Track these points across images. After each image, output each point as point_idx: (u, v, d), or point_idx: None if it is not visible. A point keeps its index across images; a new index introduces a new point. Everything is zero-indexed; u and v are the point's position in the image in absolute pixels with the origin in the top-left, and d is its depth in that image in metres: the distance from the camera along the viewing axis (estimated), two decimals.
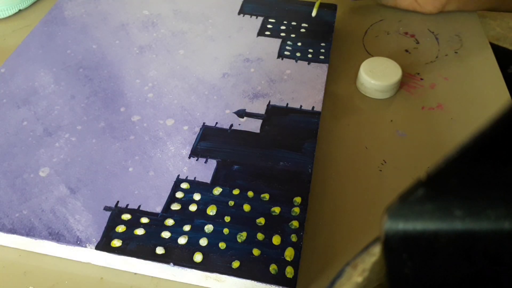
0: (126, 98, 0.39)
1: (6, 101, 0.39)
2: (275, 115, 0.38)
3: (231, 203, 0.32)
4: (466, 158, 0.13)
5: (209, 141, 0.36)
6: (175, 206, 0.32)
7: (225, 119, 0.38)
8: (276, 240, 0.30)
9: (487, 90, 0.42)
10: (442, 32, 0.49)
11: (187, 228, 0.31)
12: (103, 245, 0.30)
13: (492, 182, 0.14)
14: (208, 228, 0.31)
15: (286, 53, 0.44)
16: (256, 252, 0.29)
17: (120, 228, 0.31)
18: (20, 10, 0.51)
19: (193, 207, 0.32)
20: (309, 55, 0.43)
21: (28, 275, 0.30)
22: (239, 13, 0.48)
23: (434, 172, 0.14)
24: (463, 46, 0.48)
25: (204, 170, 0.34)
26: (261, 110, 0.38)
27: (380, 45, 0.48)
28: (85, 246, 0.30)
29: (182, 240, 0.30)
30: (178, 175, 0.34)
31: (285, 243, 0.30)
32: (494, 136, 0.13)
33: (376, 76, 0.42)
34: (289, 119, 0.38)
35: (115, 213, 0.31)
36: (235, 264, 0.29)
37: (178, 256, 0.29)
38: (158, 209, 0.32)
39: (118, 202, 0.32)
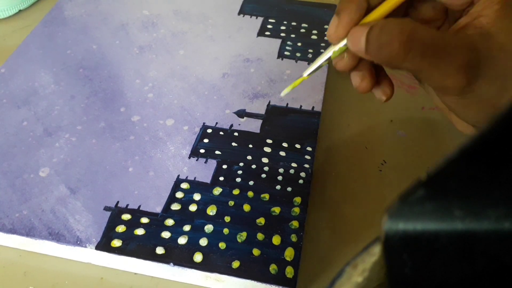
0: (126, 98, 0.39)
1: (6, 101, 0.39)
2: (275, 115, 0.38)
3: (231, 203, 0.32)
4: (466, 158, 0.13)
5: (209, 141, 0.36)
6: (175, 206, 0.32)
7: (225, 119, 0.38)
8: (276, 240, 0.30)
9: None
10: None
11: (187, 228, 0.31)
12: (103, 245, 0.30)
13: (492, 182, 0.14)
14: (208, 228, 0.31)
15: (286, 53, 0.44)
16: (256, 252, 0.29)
17: (120, 228, 0.31)
18: (20, 11, 0.51)
19: (193, 207, 0.32)
20: (309, 55, 0.43)
21: (28, 275, 0.30)
22: (239, 13, 0.48)
23: (434, 172, 0.14)
24: None
25: (204, 170, 0.34)
26: (261, 110, 0.38)
27: None
28: (85, 246, 0.30)
29: (182, 240, 0.30)
30: (178, 175, 0.34)
31: (285, 243, 0.30)
32: (494, 136, 0.13)
33: None
34: (289, 119, 0.38)
35: (115, 213, 0.31)
36: (235, 264, 0.29)
37: (178, 256, 0.29)
38: (158, 209, 0.32)
39: (118, 202, 0.32)
